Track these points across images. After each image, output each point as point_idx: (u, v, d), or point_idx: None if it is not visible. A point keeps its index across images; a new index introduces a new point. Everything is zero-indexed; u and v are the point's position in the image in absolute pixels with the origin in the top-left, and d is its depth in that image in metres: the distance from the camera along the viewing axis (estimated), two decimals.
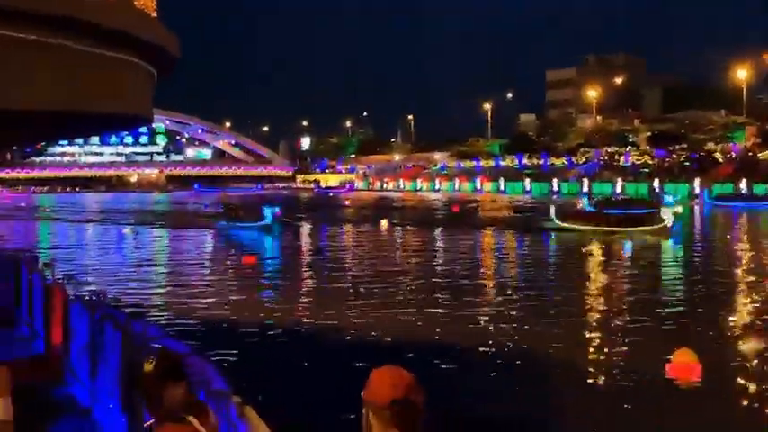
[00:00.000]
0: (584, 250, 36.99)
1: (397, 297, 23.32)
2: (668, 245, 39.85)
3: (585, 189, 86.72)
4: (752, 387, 13.56)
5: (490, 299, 23.32)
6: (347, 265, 32.06)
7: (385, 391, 3.08)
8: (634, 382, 13.94)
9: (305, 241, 46.28)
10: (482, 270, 31.01)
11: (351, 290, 24.88)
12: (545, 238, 43.51)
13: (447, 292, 24.26)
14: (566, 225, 46.48)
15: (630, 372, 14.45)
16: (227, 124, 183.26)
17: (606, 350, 16.39)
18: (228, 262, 34.14)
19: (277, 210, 52.03)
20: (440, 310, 21.04)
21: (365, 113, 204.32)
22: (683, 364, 14.26)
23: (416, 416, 3.09)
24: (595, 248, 38.05)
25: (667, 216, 43.64)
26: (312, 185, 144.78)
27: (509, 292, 24.29)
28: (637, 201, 55.49)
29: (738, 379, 14.09)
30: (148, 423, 4.42)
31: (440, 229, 50.21)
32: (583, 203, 51.50)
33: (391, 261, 33.71)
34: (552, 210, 48.40)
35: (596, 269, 31.50)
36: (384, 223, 52.50)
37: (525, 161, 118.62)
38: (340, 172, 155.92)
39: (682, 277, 28.34)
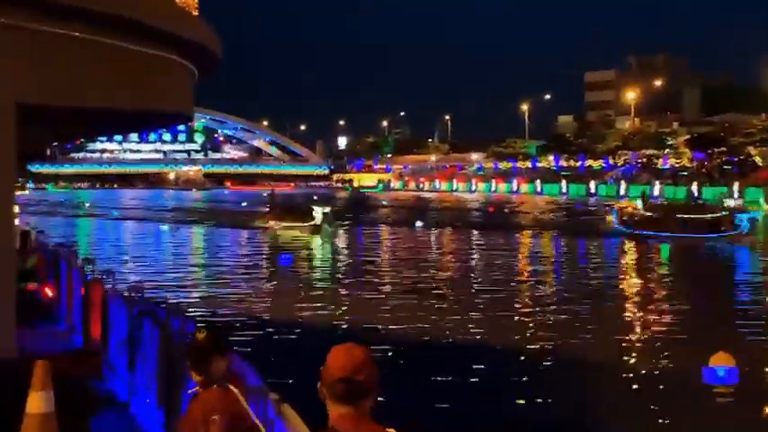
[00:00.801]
0: (681, 258, 36.04)
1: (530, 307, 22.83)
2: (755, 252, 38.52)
3: (656, 192, 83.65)
4: None
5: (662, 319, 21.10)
6: (406, 271, 31.41)
7: (335, 369, 3.41)
8: None
9: (356, 243, 44.66)
10: (603, 282, 28.07)
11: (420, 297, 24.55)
12: (615, 243, 41.74)
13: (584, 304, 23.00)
14: (634, 231, 43.90)
15: None
16: (265, 123, 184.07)
17: None
18: (272, 263, 33.56)
19: (328, 210, 50.62)
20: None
21: (402, 113, 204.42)
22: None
23: (364, 394, 3.41)
24: (686, 256, 37.10)
25: (742, 221, 41.87)
26: (344, 185, 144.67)
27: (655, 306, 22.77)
28: (706, 206, 51.73)
29: None
30: (193, 390, 4.92)
31: (509, 232, 48.13)
32: (639, 207, 48.28)
33: (473, 267, 33.19)
34: (615, 215, 46.94)
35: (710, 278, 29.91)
36: (447, 228, 51.50)
37: (562, 162, 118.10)
38: (376, 171, 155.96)
39: None
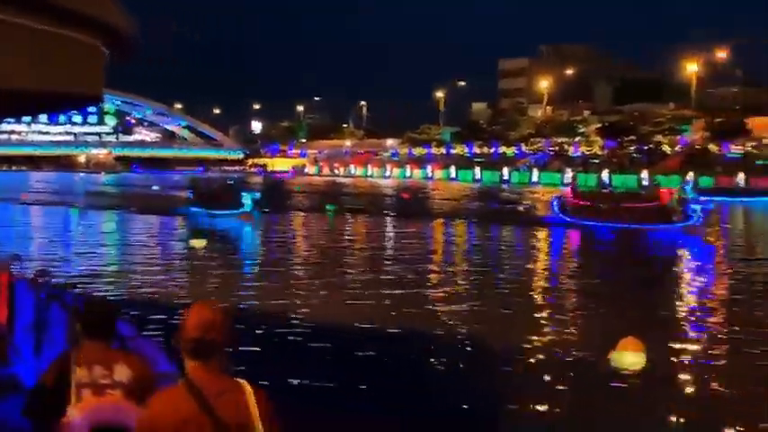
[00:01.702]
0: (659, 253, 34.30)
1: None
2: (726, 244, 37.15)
3: (605, 179, 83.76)
4: None
5: None
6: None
7: (187, 327, 3.84)
8: None
9: (279, 229, 43.47)
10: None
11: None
12: (553, 232, 40.55)
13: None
14: (577, 220, 42.30)
15: None
16: (178, 106, 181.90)
17: None
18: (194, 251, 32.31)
19: (257, 196, 48.66)
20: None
21: (317, 98, 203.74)
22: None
23: (213, 351, 3.84)
24: (625, 245, 36.22)
25: (695, 212, 39.39)
26: (256, 169, 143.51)
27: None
28: (637, 194, 50.93)
29: None
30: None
31: (442, 221, 47.20)
32: (566, 195, 47.03)
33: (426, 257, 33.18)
34: (555, 203, 45.22)
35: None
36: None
37: (476, 149, 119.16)
38: (291, 156, 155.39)
39: None
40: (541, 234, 40.05)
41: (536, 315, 19.05)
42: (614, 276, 26.77)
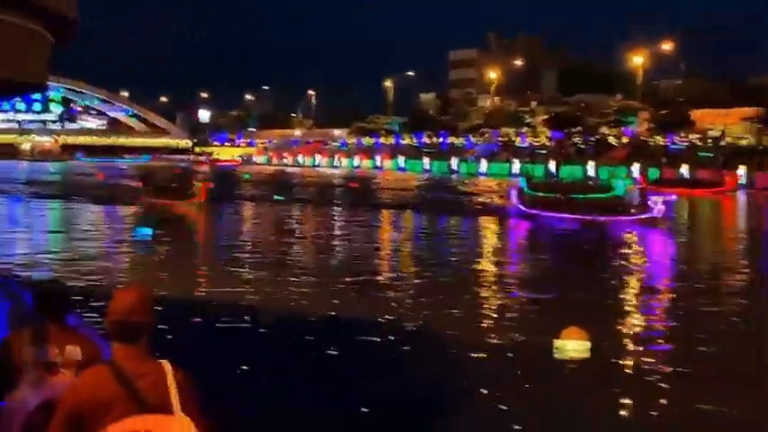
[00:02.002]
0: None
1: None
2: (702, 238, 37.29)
3: (553, 170, 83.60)
4: None
5: None
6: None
7: (112, 311, 4.04)
8: None
9: (230, 219, 43.00)
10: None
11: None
12: (509, 223, 40.32)
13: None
14: (531, 212, 41.65)
15: None
16: (125, 94, 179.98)
17: None
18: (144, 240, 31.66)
19: (211, 185, 47.73)
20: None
21: (266, 87, 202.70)
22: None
23: (137, 334, 4.02)
24: (580, 237, 35.50)
25: (656, 204, 38.30)
26: (203, 158, 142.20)
27: None
28: (594, 185, 50.32)
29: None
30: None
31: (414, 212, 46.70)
32: (521, 187, 45.87)
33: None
34: (514, 195, 44.02)
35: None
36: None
37: (425, 139, 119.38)
38: (240, 145, 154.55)
39: None
40: (497, 225, 40.00)
41: (484, 304, 19.15)
42: (565, 266, 26.98)
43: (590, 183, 54.87)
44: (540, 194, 44.28)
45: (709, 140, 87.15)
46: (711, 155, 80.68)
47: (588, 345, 14.59)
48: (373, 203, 52.12)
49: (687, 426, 11.50)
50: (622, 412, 11.96)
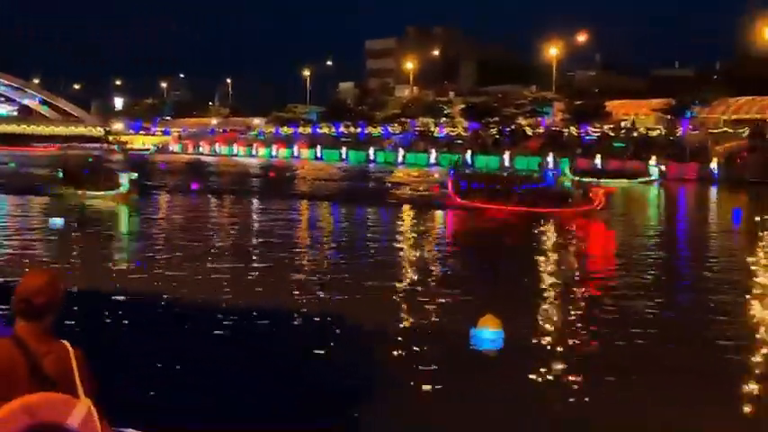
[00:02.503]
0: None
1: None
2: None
3: (506, 163, 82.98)
4: None
5: None
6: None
7: (18, 290, 4.18)
8: None
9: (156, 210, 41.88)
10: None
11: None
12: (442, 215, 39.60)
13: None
14: (473, 205, 40.20)
15: None
16: (36, 81, 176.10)
17: None
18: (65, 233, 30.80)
19: (135, 176, 44.89)
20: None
21: (182, 75, 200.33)
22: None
23: (40, 314, 4.14)
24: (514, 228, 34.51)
25: (597, 195, 37.73)
26: (115, 147, 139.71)
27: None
28: (529, 176, 49.71)
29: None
30: None
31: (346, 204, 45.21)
32: (456, 178, 44.50)
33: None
34: (450, 186, 42.72)
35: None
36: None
37: (342, 129, 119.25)
38: (155, 134, 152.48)
39: None
40: (428, 215, 39.49)
41: (404, 295, 19.22)
42: (492, 258, 27.09)
43: (529, 174, 54.21)
44: (476, 186, 43.03)
45: (623, 131, 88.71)
46: (624, 145, 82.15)
47: (502, 332, 14.77)
48: (292, 193, 51.93)
49: (598, 412, 11.71)
50: (536, 400, 12.12)
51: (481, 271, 23.83)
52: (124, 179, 43.08)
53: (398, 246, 28.49)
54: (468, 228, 36.45)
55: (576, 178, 49.23)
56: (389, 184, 61.78)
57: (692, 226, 40.81)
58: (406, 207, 42.58)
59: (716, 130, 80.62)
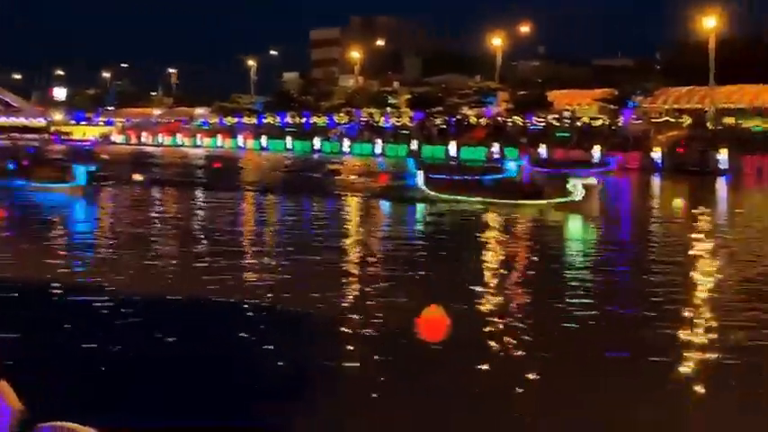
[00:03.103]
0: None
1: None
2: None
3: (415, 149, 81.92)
4: None
5: None
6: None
7: None
8: None
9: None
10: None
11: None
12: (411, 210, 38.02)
13: None
14: (443, 196, 38.87)
15: None
16: None
17: None
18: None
19: (93, 168, 43.58)
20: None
21: (125, 65, 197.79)
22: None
23: None
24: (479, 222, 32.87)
25: (575, 188, 34.72)
26: (53, 137, 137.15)
27: None
28: (494, 167, 48.70)
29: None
30: None
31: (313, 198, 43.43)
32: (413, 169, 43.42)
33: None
34: (420, 178, 40.71)
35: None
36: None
37: (288, 119, 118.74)
38: (98, 124, 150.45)
39: None
40: (380, 206, 39.12)
41: (350, 286, 19.32)
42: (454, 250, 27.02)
43: (487, 164, 53.42)
44: (444, 177, 41.79)
45: (566, 120, 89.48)
46: (567, 135, 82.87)
47: (448, 322, 14.96)
48: (237, 184, 51.70)
49: (538, 398, 11.92)
50: (478, 388, 12.30)
51: (416, 258, 23.91)
52: (82, 171, 41.86)
53: (335, 238, 28.46)
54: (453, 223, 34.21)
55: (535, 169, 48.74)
56: (329, 173, 61.66)
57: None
58: (373, 201, 41.33)
59: (658, 120, 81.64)
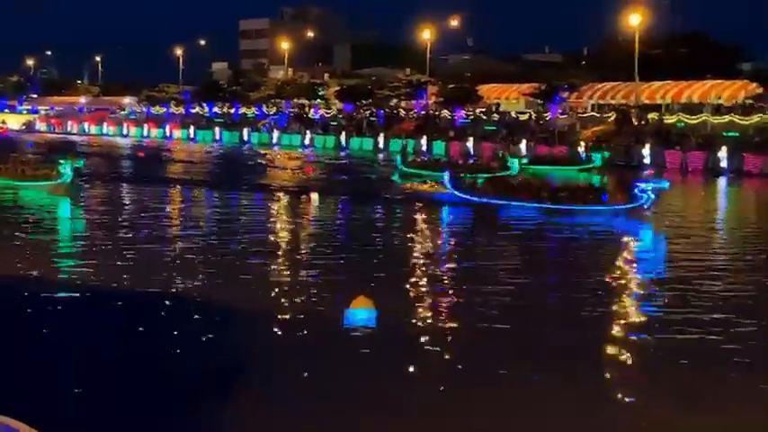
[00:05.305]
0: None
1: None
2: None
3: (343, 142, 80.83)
4: None
5: None
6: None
7: None
8: None
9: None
10: None
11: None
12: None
13: None
14: (490, 201, 34.11)
15: None
16: None
17: None
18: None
19: (80, 164, 40.28)
20: None
21: (49, 52, 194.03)
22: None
23: None
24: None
25: (644, 192, 30.99)
26: None
27: None
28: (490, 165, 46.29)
29: None
30: None
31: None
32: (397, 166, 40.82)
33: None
34: (446, 178, 35.85)
35: None
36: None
37: (216, 109, 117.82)
38: (21, 113, 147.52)
39: None
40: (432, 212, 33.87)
41: (287, 278, 19.34)
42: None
43: (481, 161, 50.66)
44: (470, 177, 37.19)
45: (494, 114, 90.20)
46: (495, 128, 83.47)
47: (375, 312, 15.06)
48: (165, 176, 51.05)
49: (473, 386, 12.08)
50: (408, 377, 12.41)
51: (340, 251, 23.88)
52: (67, 168, 36.85)
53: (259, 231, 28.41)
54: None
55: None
56: (259, 162, 61.27)
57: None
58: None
59: (584, 115, 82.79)
